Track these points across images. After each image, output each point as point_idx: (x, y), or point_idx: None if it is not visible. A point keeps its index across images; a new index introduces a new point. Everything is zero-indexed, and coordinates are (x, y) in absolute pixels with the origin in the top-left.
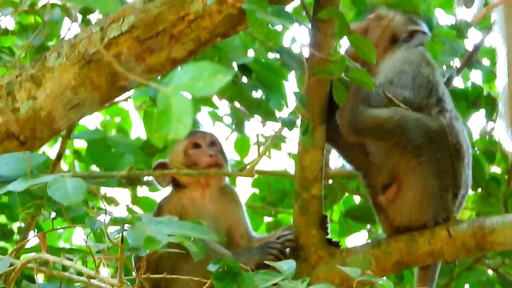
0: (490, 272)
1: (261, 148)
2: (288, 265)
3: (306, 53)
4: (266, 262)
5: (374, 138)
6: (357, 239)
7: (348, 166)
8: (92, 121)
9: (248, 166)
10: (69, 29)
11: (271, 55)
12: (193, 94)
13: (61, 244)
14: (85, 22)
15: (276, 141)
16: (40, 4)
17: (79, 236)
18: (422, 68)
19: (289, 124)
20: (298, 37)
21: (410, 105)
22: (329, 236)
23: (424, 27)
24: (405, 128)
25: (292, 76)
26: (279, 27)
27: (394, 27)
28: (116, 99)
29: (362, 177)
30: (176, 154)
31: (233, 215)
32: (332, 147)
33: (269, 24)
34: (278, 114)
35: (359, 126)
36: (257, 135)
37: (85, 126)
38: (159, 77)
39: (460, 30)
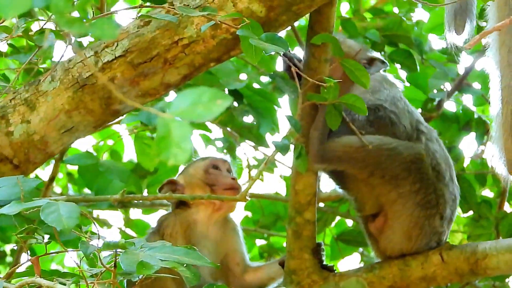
0: None
1: (252, 172)
2: None
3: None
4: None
5: (346, 167)
6: (350, 262)
7: (341, 191)
8: (84, 143)
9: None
10: (63, 54)
11: (263, 79)
12: (193, 119)
13: (54, 266)
14: (78, 45)
15: (269, 165)
16: (34, 29)
17: (71, 259)
18: (387, 91)
19: (282, 148)
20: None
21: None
22: (324, 263)
23: (381, 57)
24: (379, 158)
25: (283, 101)
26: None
27: (352, 54)
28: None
29: (354, 202)
30: (195, 171)
31: (232, 242)
32: (326, 173)
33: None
34: (270, 138)
35: (327, 155)
36: (247, 159)
37: (77, 149)
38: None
39: (451, 54)
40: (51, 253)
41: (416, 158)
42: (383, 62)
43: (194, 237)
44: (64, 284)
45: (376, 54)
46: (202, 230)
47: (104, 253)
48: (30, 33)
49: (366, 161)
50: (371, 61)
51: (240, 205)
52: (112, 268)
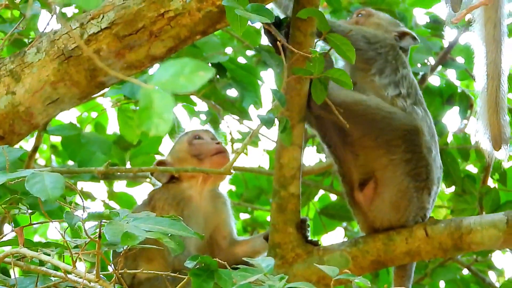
0: (464, 271)
1: (236, 146)
2: (266, 262)
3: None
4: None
5: (343, 117)
6: (334, 237)
7: (330, 158)
8: (68, 116)
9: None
10: (48, 24)
11: (249, 53)
12: (175, 90)
13: (37, 238)
14: (63, 16)
15: (253, 138)
16: None
17: (54, 231)
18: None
19: (267, 122)
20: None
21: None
22: (308, 239)
23: (413, 33)
24: (376, 117)
25: (268, 75)
26: (257, 25)
27: (385, 25)
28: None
29: (339, 173)
30: (180, 145)
31: (221, 216)
32: (315, 131)
33: (248, 21)
34: (253, 112)
35: (326, 102)
36: (231, 133)
37: (61, 121)
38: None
39: (436, 28)
40: (35, 223)
41: (412, 130)
42: (414, 38)
43: (186, 211)
44: (49, 255)
45: (408, 30)
46: (195, 204)
47: (88, 224)
48: (16, 0)
49: (362, 117)
50: (403, 35)
51: (224, 179)
52: (97, 239)
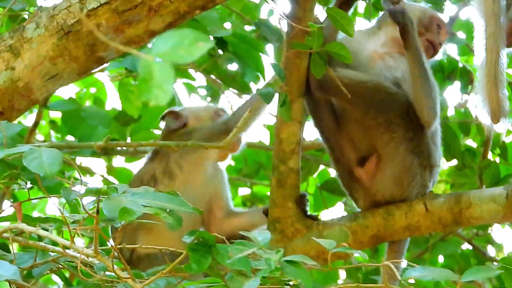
0: (464, 246)
1: None
2: (262, 236)
3: (284, 26)
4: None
5: (341, 98)
6: (334, 212)
7: (321, 139)
8: (67, 92)
9: None
10: None
11: (248, 28)
12: (174, 61)
13: (35, 214)
14: None
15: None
16: None
17: (53, 207)
18: None
19: (266, 96)
20: (276, 11)
21: None
22: (308, 213)
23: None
24: (376, 97)
25: (269, 49)
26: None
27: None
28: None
29: (334, 152)
30: (206, 111)
31: (219, 187)
32: (311, 117)
33: None
34: (255, 87)
35: (327, 83)
36: (231, 108)
37: (60, 96)
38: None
39: (436, 3)
40: (34, 198)
41: (413, 109)
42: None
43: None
44: (47, 230)
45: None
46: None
47: (86, 200)
48: None
49: (363, 98)
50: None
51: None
52: (95, 214)
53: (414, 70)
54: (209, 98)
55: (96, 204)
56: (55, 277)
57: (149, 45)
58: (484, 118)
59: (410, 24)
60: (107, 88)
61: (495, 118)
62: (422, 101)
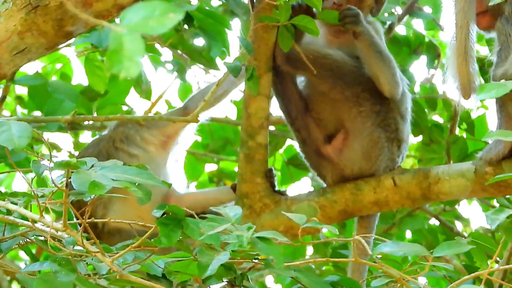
0: (431, 221)
1: None
2: (233, 211)
3: None
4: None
5: (308, 72)
6: (301, 187)
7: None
8: (32, 68)
9: None
10: None
11: (215, 3)
12: (145, 33)
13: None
14: None
15: None
16: None
17: (19, 183)
18: None
19: (234, 70)
20: None
21: None
22: (276, 188)
23: None
24: (343, 71)
25: (235, 24)
26: None
27: None
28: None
29: (300, 133)
30: None
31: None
32: (277, 97)
33: None
34: (221, 62)
35: (294, 56)
36: (198, 83)
37: (25, 72)
38: None
39: None
40: (2, 173)
41: None
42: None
43: None
44: (16, 204)
45: None
46: None
47: (55, 174)
48: None
49: (330, 71)
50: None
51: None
52: (64, 188)
53: (366, 51)
54: (175, 73)
55: (65, 178)
56: (22, 254)
57: (117, 20)
58: (454, 93)
59: (353, 23)
60: (73, 64)
61: (466, 94)
62: (380, 76)
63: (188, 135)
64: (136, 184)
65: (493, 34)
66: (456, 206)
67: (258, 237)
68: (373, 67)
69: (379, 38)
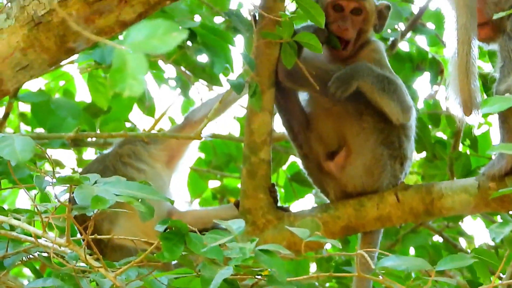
0: (435, 238)
1: None
2: (236, 225)
3: (255, 16)
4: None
5: (310, 87)
6: (304, 204)
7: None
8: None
9: None
10: None
11: (217, 20)
12: (148, 52)
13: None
14: None
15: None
16: None
17: (23, 200)
18: None
19: (237, 87)
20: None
21: None
22: (278, 204)
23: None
24: None
25: (238, 40)
26: None
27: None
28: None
29: (302, 149)
30: None
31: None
32: (280, 113)
33: None
34: (224, 78)
35: (296, 73)
36: (201, 99)
37: (28, 89)
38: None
39: None
40: (5, 188)
41: None
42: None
43: None
44: (19, 220)
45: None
46: None
47: (58, 189)
48: None
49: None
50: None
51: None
52: (67, 203)
53: (368, 94)
54: (178, 90)
55: (68, 193)
56: (26, 270)
57: (120, 37)
58: (456, 109)
59: (344, 91)
60: (76, 81)
61: (467, 110)
62: (386, 109)
63: (191, 151)
64: (139, 200)
65: (492, 46)
66: (460, 223)
67: (261, 250)
68: (378, 104)
69: (380, 64)
